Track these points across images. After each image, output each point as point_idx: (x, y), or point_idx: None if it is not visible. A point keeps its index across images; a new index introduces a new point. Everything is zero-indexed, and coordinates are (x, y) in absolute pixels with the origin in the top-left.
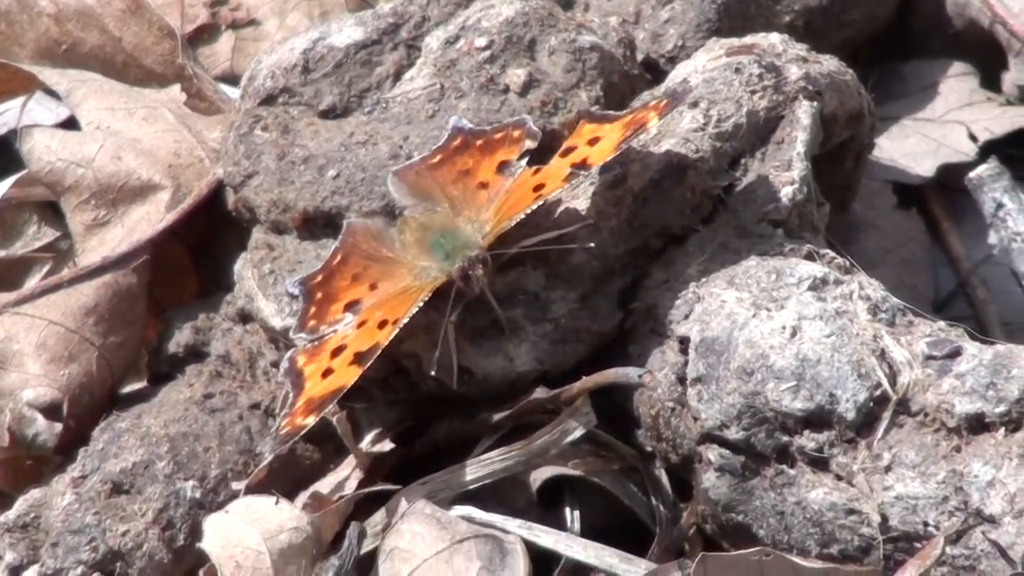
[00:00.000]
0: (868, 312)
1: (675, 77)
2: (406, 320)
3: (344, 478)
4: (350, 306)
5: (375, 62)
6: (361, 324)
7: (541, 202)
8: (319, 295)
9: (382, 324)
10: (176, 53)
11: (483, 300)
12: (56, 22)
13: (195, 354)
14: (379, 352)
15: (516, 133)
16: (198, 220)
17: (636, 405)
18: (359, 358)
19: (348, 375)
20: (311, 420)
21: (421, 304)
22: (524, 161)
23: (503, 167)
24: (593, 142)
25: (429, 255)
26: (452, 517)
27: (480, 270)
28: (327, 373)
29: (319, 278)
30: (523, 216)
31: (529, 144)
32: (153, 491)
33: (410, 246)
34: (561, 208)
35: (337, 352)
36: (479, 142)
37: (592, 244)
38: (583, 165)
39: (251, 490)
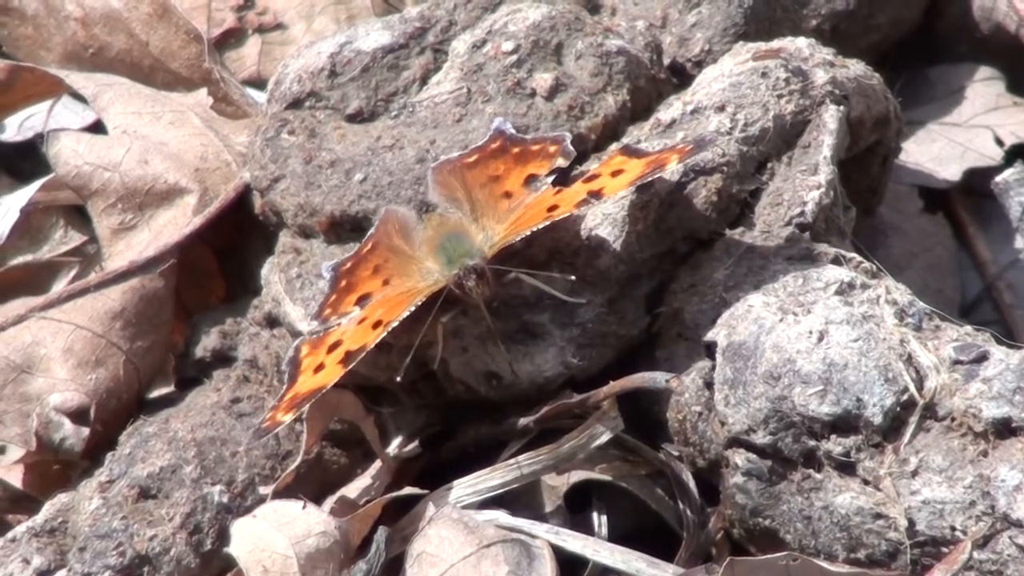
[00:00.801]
0: (895, 316)
1: (702, 81)
2: (396, 324)
3: (372, 482)
4: (362, 299)
5: (402, 66)
6: (362, 321)
7: (549, 223)
8: (343, 283)
9: (376, 324)
10: (203, 57)
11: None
12: (83, 26)
13: (222, 359)
14: (364, 354)
15: (552, 148)
16: (225, 224)
17: (663, 410)
18: (348, 357)
19: (333, 374)
20: (288, 417)
21: (413, 308)
22: (551, 178)
23: (530, 180)
24: (616, 174)
25: (435, 257)
26: (480, 521)
27: (473, 281)
28: (319, 368)
29: (348, 264)
30: (529, 234)
31: (561, 162)
32: (180, 496)
33: (423, 244)
34: (585, 219)
35: (334, 347)
36: (516, 150)
37: (583, 300)
38: (598, 194)
39: (278, 494)
